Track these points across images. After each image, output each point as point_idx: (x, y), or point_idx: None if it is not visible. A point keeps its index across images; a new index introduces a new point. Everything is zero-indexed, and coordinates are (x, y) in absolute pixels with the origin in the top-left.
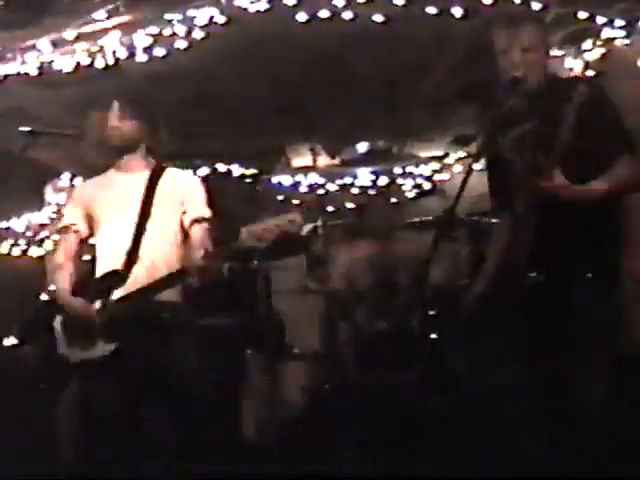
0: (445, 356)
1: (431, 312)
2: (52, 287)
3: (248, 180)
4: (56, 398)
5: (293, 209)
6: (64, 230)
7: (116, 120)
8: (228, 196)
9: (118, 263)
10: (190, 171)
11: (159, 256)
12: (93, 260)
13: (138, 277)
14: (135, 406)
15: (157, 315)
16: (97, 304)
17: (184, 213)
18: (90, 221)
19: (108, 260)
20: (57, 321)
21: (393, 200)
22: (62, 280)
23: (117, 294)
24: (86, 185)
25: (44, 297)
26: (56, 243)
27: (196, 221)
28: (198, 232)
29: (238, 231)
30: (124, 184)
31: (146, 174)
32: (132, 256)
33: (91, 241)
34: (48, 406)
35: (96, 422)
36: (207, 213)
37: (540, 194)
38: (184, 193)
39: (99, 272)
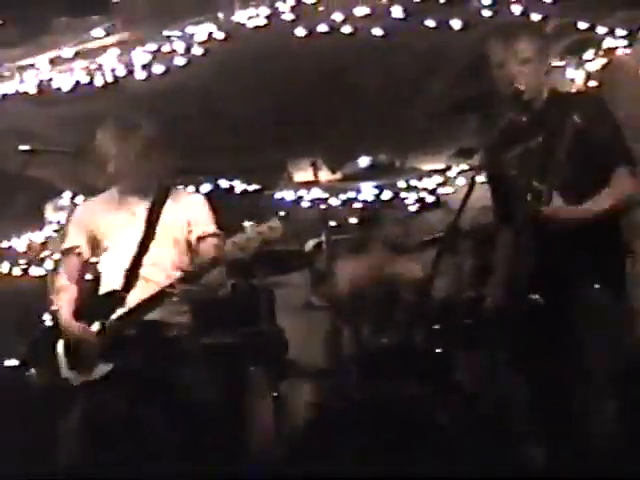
0: (450, 370)
1: (435, 326)
2: (54, 308)
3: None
4: (60, 419)
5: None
6: (67, 252)
7: (114, 143)
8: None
9: (119, 283)
10: (194, 190)
11: (161, 277)
12: (97, 280)
13: (138, 298)
14: (137, 424)
15: (158, 334)
16: (96, 326)
17: (190, 232)
18: (93, 242)
19: (111, 280)
20: (59, 344)
21: (395, 215)
22: (63, 303)
23: (116, 314)
24: (88, 205)
25: (47, 317)
26: (57, 264)
27: (203, 238)
28: (206, 249)
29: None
30: (128, 205)
31: (150, 195)
32: (131, 277)
33: (94, 260)
34: (51, 425)
35: (99, 449)
36: (213, 229)
37: (540, 216)
38: (190, 213)
39: (101, 292)
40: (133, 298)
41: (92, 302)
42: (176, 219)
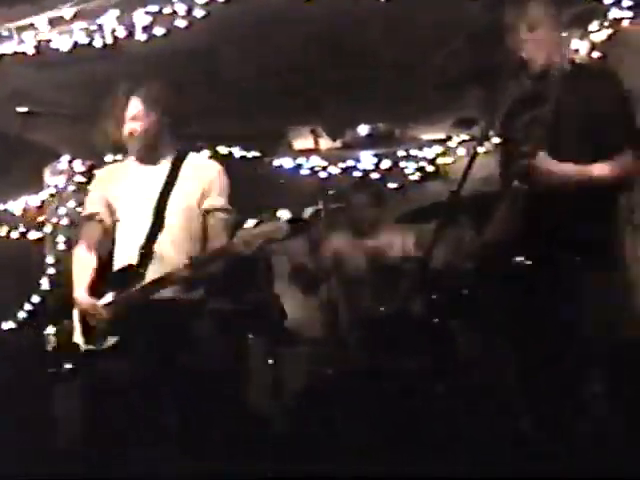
0: (448, 341)
1: (434, 296)
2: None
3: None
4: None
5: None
6: (88, 219)
7: (133, 119)
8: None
9: (134, 258)
10: (212, 161)
11: (177, 251)
12: (110, 254)
13: (154, 272)
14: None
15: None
16: (107, 298)
17: (203, 202)
18: (112, 211)
19: (126, 254)
20: (75, 310)
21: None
22: (80, 273)
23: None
24: (105, 173)
25: (44, 282)
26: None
27: (211, 211)
28: (214, 224)
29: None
30: (144, 175)
31: (166, 165)
32: (146, 251)
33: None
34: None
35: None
36: (224, 203)
37: (531, 173)
38: (205, 182)
39: (116, 266)
40: (150, 274)
41: (106, 276)
42: (191, 187)
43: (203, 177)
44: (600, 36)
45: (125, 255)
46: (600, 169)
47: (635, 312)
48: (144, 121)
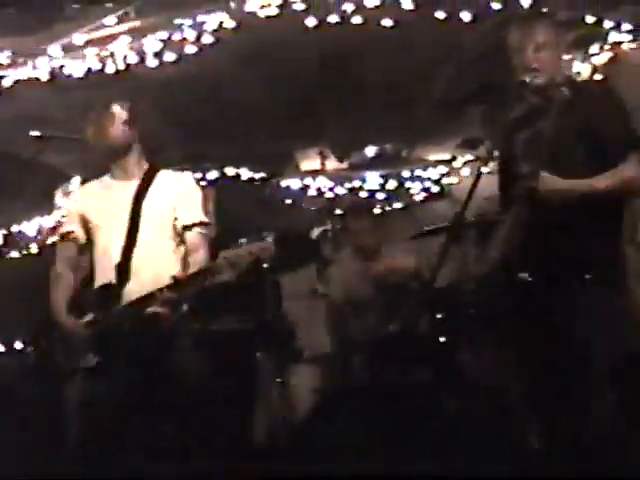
0: (454, 358)
1: (439, 315)
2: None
3: (257, 183)
4: (54, 402)
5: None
6: (62, 237)
7: (110, 123)
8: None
9: (112, 275)
10: (185, 175)
11: (153, 267)
12: (92, 271)
13: (131, 291)
14: (140, 412)
15: (152, 326)
16: (88, 317)
17: (176, 219)
18: (87, 228)
19: (104, 272)
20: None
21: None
22: (58, 291)
23: (110, 307)
24: (82, 192)
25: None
26: (55, 251)
27: (189, 227)
28: (192, 239)
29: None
30: (117, 191)
31: (137, 182)
32: (123, 269)
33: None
34: (49, 408)
35: (98, 427)
36: (201, 217)
37: (533, 193)
38: (176, 198)
39: (96, 284)
40: (128, 292)
41: (86, 294)
42: (161, 204)
43: (176, 192)
44: (601, 59)
45: (104, 273)
46: (605, 181)
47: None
48: (123, 133)
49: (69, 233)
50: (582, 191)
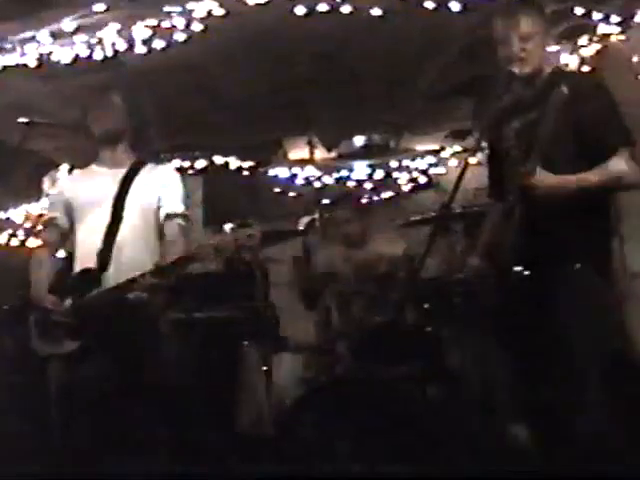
0: (440, 349)
1: (426, 305)
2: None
3: (245, 172)
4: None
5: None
6: (45, 223)
7: (101, 108)
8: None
9: (93, 261)
10: (170, 166)
11: (133, 254)
12: (71, 256)
13: (110, 276)
14: (124, 402)
15: (133, 312)
16: (68, 302)
17: (159, 209)
18: (70, 215)
19: (85, 258)
20: (31, 315)
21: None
22: (39, 275)
23: (89, 293)
24: (70, 178)
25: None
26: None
27: (169, 217)
28: (171, 229)
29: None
30: (103, 179)
31: (124, 171)
32: (104, 255)
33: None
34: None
35: (77, 415)
36: (182, 209)
37: (526, 187)
38: (160, 187)
39: (76, 269)
40: (108, 279)
41: (66, 279)
42: (146, 193)
43: (159, 183)
44: (589, 51)
45: (84, 259)
46: (595, 176)
47: (621, 321)
48: (120, 121)
49: (52, 219)
50: (573, 187)
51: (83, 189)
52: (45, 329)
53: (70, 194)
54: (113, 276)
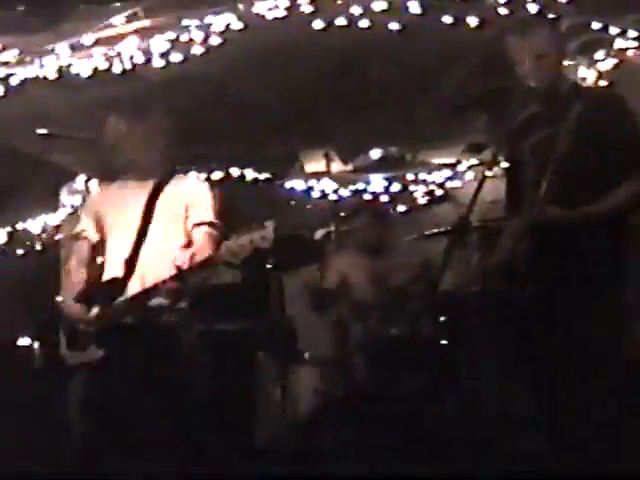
0: (455, 362)
1: (442, 318)
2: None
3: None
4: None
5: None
6: (75, 236)
7: (126, 127)
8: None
9: (120, 270)
10: (199, 176)
11: (160, 262)
12: (102, 266)
13: (135, 284)
14: (141, 411)
15: (155, 320)
16: (94, 310)
17: (187, 218)
18: (101, 228)
19: (114, 267)
20: (61, 323)
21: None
22: (68, 285)
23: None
24: (101, 191)
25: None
26: (69, 248)
27: (198, 225)
28: (199, 237)
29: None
30: (133, 191)
31: (152, 183)
32: (130, 264)
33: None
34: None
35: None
36: (210, 217)
37: (540, 215)
38: (189, 198)
39: (104, 278)
40: (132, 287)
41: (95, 287)
42: (175, 203)
43: (188, 193)
44: (606, 65)
45: (113, 268)
46: (609, 203)
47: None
48: (152, 137)
49: (81, 232)
50: (586, 218)
51: (114, 202)
52: (73, 338)
53: (100, 207)
54: (138, 284)
